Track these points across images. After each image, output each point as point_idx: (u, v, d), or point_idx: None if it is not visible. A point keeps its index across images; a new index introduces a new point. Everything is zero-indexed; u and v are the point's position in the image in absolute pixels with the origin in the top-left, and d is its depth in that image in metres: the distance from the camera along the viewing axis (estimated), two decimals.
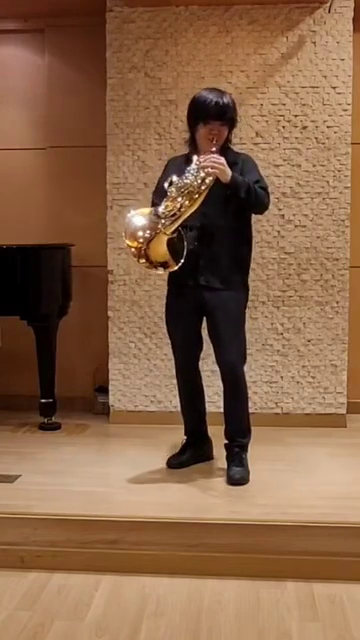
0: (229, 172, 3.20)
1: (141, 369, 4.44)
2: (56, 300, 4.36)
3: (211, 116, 3.27)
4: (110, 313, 4.44)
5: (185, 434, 3.65)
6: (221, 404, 3.50)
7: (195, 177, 3.18)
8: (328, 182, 4.29)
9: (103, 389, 4.62)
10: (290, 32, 4.25)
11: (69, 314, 4.50)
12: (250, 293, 4.25)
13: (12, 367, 4.71)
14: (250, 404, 4.03)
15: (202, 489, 3.29)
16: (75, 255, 4.53)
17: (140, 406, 4.45)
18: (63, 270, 4.40)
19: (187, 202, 3.16)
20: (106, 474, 3.49)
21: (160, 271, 3.31)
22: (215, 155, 3.21)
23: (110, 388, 4.48)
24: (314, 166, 4.28)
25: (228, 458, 3.45)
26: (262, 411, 4.35)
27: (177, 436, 3.70)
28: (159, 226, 3.17)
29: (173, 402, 4.19)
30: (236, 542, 2.86)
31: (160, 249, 3.20)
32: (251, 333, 4.31)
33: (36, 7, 4.49)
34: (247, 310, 4.24)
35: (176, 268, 3.22)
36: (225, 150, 3.36)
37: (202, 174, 3.18)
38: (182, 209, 3.16)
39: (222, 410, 3.49)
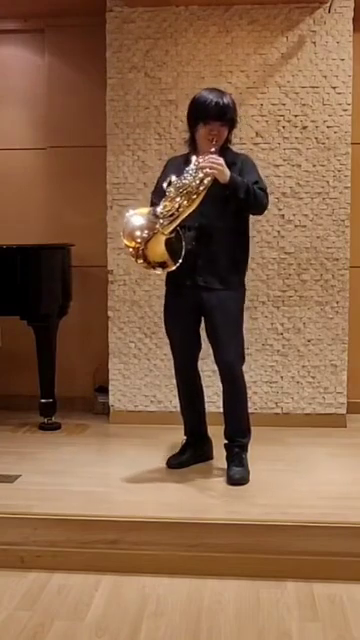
0: (228, 172, 3.20)
1: (141, 369, 4.44)
2: (56, 300, 4.36)
3: (211, 116, 3.27)
4: (110, 313, 4.44)
5: (185, 434, 3.65)
6: (221, 404, 3.50)
7: (193, 177, 3.19)
8: (328, 182, 4.29)
9: (103, 389, 4.62)
10: (290, 32, 4.25)
11: (69, 314, 4.50)
12: (250, 293, 4.28)
13: (12, 367, 4.71)
14: (250, 404, 4.03)
15: (202, 489, 3.29)
16: (75, 255, 4.53)
17: (140, 406, 4.45)
18: (63, 270, 4.40)
19: (185, 202, 3.17)
20: (106, 474, 3.49)
21: (158, 271, 3.32)
22: (214, 156, 3.21)
23: (110, 388, 4.48)
24: (314, 166, 4.28)
25: (228, 458, 3.45)
26: (262, 411, 4.35)
27: (177, 436, 3.70)
28: (157, 226, 3.17)
29: (173, 402, 4.19)
30: (236, 542, 2.86)
31: (158, 249, 3.20)
32: (251, 333, 4.32)
33: (36, 7, 4.49)
34: (247, 310, 4.25)
35: (174, 268, 3.22)
36: (225, 150, 3.36)
37: (200, 174, 3.18)
38: (180, 209, 3.16)
39: (222, 410, 3.49)
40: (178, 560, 2.85)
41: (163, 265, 3.24)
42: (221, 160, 3.20)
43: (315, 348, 4.35)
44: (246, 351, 4.21)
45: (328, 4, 4.17)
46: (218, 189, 3.23)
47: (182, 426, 3.66)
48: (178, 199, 3.17)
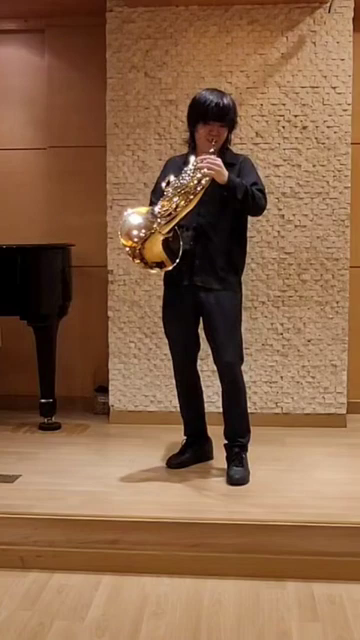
0: (225, 173, 3.21)
1: (141, 369, 4.44)
2: (56, 300, 4.36)
3: (211, 117, 3.28)
4: (110, 313, 4.44)
5: (185, 434, 3.66)
6: (221, 404, 3.50)
7: (191, 178, 3.19)
8: (328, 182, 4.29)
9: (103, 389, 4.62)
10: (290, 32, 4.25)
11: (69, 314, 4.50)
12: (250, 293, 4.29)
13: (12, 367, 4.71)
14: (250, 404, 4.03)
15: (202, 489, 3.29)
16: (75, 255, 4.53)
17: (140, 406, 4.45)
18: (63, 270, 4.40)
19: (183, 202, 3.17)
20: (106, 474, 3.49)
21: (155, 271, 3.32)
22: (212, 156, 3.21)
23: (110, 388, 4.48)
24: (314, 166, 4.28)
25: (228, 458, 3.45)
26: (262, 411, 4.35)
27: (177, 436, 3.70)
28: (154, 226, 3.18)
29: (173, 402, 4.19)
30: (236, 542, 2.86)
31: (155, 249, 3.21)
32: (251, 333, 4.32)
33: (36, 7, 4.49)
34: (247, 310, 4.27)
35: (171, 268, 3.22)
36: (224, 151, 3.37)
37: (198, 175, 3.19)
38: (178, 209, 3.16)
39: (222, 410, 3.49)
40: (178, 560, 2.85)
41: (161, 265, 3.25)
42: (219, 161, 3.20)
43: (315, 348, 4.35)
44: (246, 351, 4.23)
45: (328, 4, 4.17)
46: (216, 190, 3.23)
47: (182, 426, 3.66)
48: (175, 199, 3.17)
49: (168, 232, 3.19)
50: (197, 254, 3.33)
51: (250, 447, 3.49)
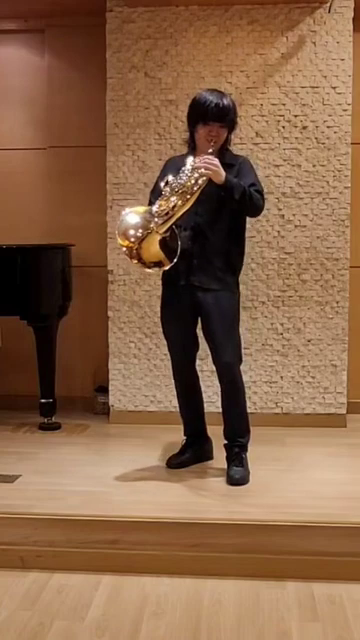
0: (223, 173, 3.21)
1: (141, 369, 4.44)
2: (56, 300, 4.36)
3: (210, 117, 3.28)
4: (110, 313, 4.44)
5: (185, 434, 3.66)
6: (220, 404, 3.49)
7: (188, 177, 3.21)
8: (328, 182, 4.29)
9: (103, 389, 4.62)
10: (290, 32, 4.25)
11: (69, 314, 4.50)
12: (250, 293, 4.29)
13: (12, 367, 4.71)
14: (250, 404, 4.03)
15: (202, 489, 3.29)
16: (75, 255, 4.52)
17: (140, 406, 4.45)
18: (63, 270, 4.40)
19: (180, 202, 3.18)
20: (106, 474, 3.49)
21: (154, 270, 3.33)
22: (209, 156, 3.22)
23: (110, 388, 4.48)
24: (314, 166, 4.28)
25: (228, 458, 3.45)
26: (262, 411, 4.35)
27: (177, 436, 3.70)
28: (151, 225, 3.19)
29: (173, 402, 4.19)
30: (236, 542, 2.86)
31: (152, 248, 3.22)
32: (251, 333, 4.32)
33: (36, 7, 4.49)
34: (247, 310, 4.27)
35: (169, 266, 3.23)
36: (224, 152, 3.37)
37: (196, 175, 3.20)
38: (175, 209, 3.17)
39: (221, 410, 3.49)
40: (178, 560, 2.85)
41: (159, 264, 3.25)
42: (216, 161, 3.21)
43: (315, 348, 4.35)
44: (246, 351, 4.24)
45: (328, 4, 4.17)
46: (214, 190, 3.24)
47: (182, 426, 3.66)
48: (173, 199, 3.18)
49: (165, 231, 3.20)
50: (195, 254, 3.34)
51: (250, 447, 3.49)
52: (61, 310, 4.42)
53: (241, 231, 3.46)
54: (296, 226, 4.32)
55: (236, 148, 3.86)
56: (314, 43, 4.24)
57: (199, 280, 3.36)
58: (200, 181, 3.20)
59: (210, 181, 3.21)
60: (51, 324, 4.35)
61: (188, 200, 3.19)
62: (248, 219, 3.53)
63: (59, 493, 3.22)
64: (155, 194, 3.36)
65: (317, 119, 4.26)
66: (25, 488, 3.31)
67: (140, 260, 3.23)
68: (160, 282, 3.58)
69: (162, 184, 3.24)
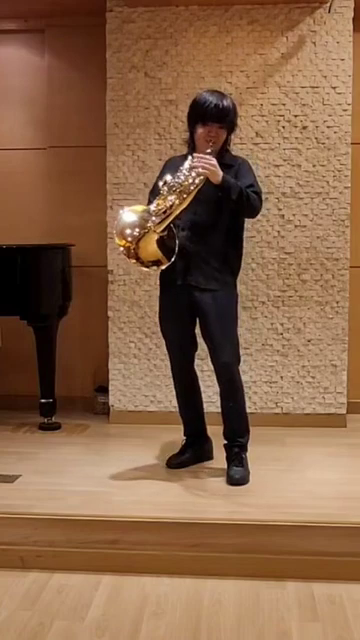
0: (220, 173, 3.21)
1: (141, 369, 4.44)
2: (56, 300, 4.36)
3: (209, 118, 3.28)
4: (110, 313, 4.44)
5: (185, 434, 3.66)
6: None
7: (186, 177, 3.22)
8: (328, 182, 4.29)
9: (103, 389, 4.62)
10: (290, 32, 4.25)
11: (69, 314, 4.50)
12: (250, 293, 4.30)
13: (12, 367, 4.71)
14: (250, 404, 4.03)
15: (202, 489, 3.29)
16: (75, 255, 4.53)
17: (140, 406, 4.45)
18: (63, 270, 4.40)
19: (177, 201, 3.19)
20: (106, 474, 3.49)
21: (152, 269, 3.33)
22: (207, 156, 3.22)
23: (110, 388, 4.48)
24: (314, 166, 4.28)
25: (228, 458, 3.45)
26: (262, 411, 4.35)
27: (177, 436, 3.70)
28: (148, 224, 3.19)
29: (173, 402, 4.18)
30: (236, 542, 2.86)
31: (150, 248, 3.22)
32: (251, 333, 4.32)
33: (36, 7, 4.49)
34: (247, 310, 4.28)
35: (167, 265, 3.23)
36: (223, 153, 3.38)
37: (193, 174, 3.21)
38: (172, 207, 3.18)
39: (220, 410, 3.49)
40: (178, 560, 2.85)
41: (157, 263, 3.27)
42: (214, 161, 3.21)
43: (315, 348, 4.35)
44: (246, 351, 4.24)
45: (328, 4, 4.17)
46: (212, 190, 3.24)
47: (182, 426, 3.66)
48: (170, 197, 3.19)
49: (163, 230, 3.20)
50: (192, 253, 3.34)
51: (250, 447, 3.49)
52: (61, 310, 4.42)
53: (239, 232, 3.46)
54: (296, 226, 4.32)
55: (236, 148, 3.87)
56: (314, 43, 4.24)
57: (196, 280, 3.36)
58: (197, 180, 3.20)
59: (208, 181, 3.21)
60: (51, 324, 4.35)
61: (185, 199, 3.20)
62: (247, 219, 3.53)
63: (59, 493, 3.22)
64: (154, 194, 3.37)
65: (317, 119, 4.26)
66: (25, 488, 3.31)
67: (138, 259, 3.23)
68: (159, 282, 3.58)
69: (160, 183, 3.25)
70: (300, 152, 4.28)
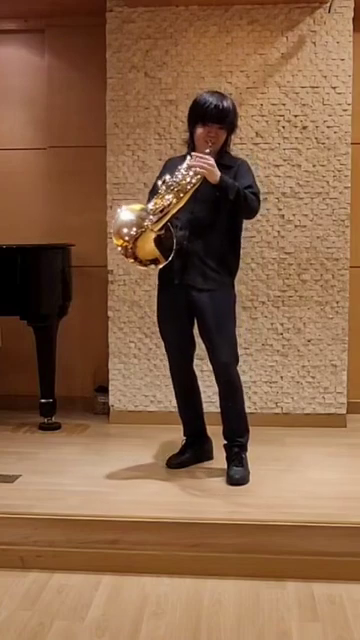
0: (217, 173, 3.21)
1: (141, 369, 4.44)
2: (56, 300, 4.36)
3: (209, 119, 3.29)
4: (110, 313, 4.44)
5: (184, 435, 3.66)
6: None
7: (184, 176, 3.23)
8: (328, 182, 4.29)
9: (103, 389, 4.62)
10: (290, 32, 4.25)
11: (69, 314, 4.50)
12: (250, 293, 4.30)
13: (12, 367, 4.71)
14: (250, 404, 4.03)
15: (202, 489, 3.29)
16: (75, 255, 4.53)
17: (140, 406, 4.45)
18: (63, 270, 4.40)
19: (174, 200, 3.19)
20: (106, 474, 3.49)
21: (151, 268, 3.33)
22: (205, 156, 3.22)
23: (110, 388, 4.48)
24: (314, 166, 4.28)
25: (228, 458, 3.45)
26: (262, 411, 4.35)
27: (177, 436, 3.70)
28: (145, 223, 3.20)
29: (173, 402, 4.18)
30: (236, 542, 2.86)
31: (147, 247, 3.23)
32: (251, 333, 4.32)
33: (36, 7, 4.50)
34: (247, 310, 4.28)
35: (165, 264, 3.23)
36: (223, 154, 3.38)
37: (191, 173, 3.22)
38: (170, 206, 3.18)
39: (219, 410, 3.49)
40: (178, 560, 2.85)
41: (155, 262, 3.27)
42: (212, 160, 3.22)
43: (315, 348, 4.35)
44: (246, 351, 4.25)
45: (328, 4, 4.17)
46: (209, 189, 3.24)
47: (182, 426, 3.66)
48: (168, 196, 3.21)
49: (160, 229, 3.21)
50: (190, 253, 3.34)
51: (250, 447, 3.49)
52: (61, 310, 4.42)
53: (238, 232, 3.46)
54: (296, 226, 4.32)
55: (236, 148, 3.87)
56: (314, 43, 4.24)
57: (193, 280, 3.36)
58: (194, 180, 3.21)
59: (206, 181, 3.22)
60: (51, 324, 4.35)
61: (182, 198, 3.21)
62: (247, 219, 3.53)
63: (59, 493, 3.22)
64: (153, 194, 3.37)
65: (317, 119, 4.26)
66: (25, 488, 3.31)
67: (136, 259, 3.24)
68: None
69: (159, 183, 3.26)
70: (300, 152, 4.28)
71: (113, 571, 2.85)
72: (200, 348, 3.55)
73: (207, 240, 3.34)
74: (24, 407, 4.58)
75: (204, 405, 3.69)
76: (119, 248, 3.24)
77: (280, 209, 4.31)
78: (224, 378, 3.41)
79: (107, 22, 4.32)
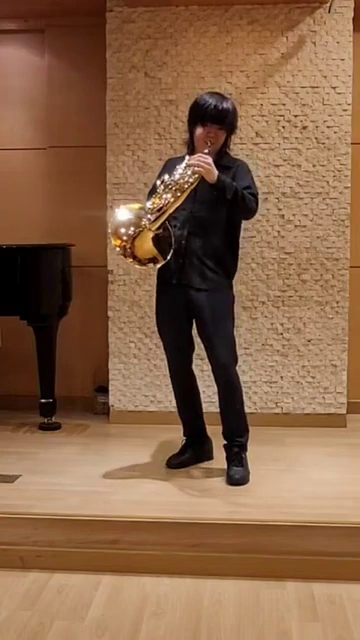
0: (215, 172, 3.22)
1: (141, 369, 4.44)
2: (56, 300, 4.36)
3: (208, 119, 3.29)
4: (110, 313, 4.44)
5: (184, 435, 3.66)
6: None
7: (182, 175, 3.24)
8: (328, 182, 4.29)
9: (103, 389, 4.62)
10: (290, 32, 4.25)
11: (69, 314, 4.50)
12: (250, 293, 4.30)
13: (12, 367, 4.71)
14: (250, 404, 4.03)
15: (202, 489, 3.29)
16: (75, 255, 4.53)
17: (140, 406, 4.45)
18: (63, 270, 4.40)
19: (172, 199, 3.19)
20: (106, 474, 3.49)
21: (149, 266, 3.33)
22: (203, 155, 3.23)
23: (110, 388, 4.48)
24: (314, 166, 4.28)
25: (228, 458, 3.45)
26: (262, 411, 4.35)
27: (177, 436, 3.70)
28: (143, 222, 3.20)
29: (173, 402, 4.17)
30: (236, 542, 2.86)
31: (146, 246, 3.23)
32: (251, 333, 4.32)
33: (36, 7, 4.50)
34: (247, 310, 4.28)
35: (163, 263, 3.24)
36: (222, 155, 3.38)
37: (189, 172, 3.22)
38: (167, 205, 3.19)
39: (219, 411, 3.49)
40: (178, 560, 2.85)
41: (153, 260, 3.27)
42: (209, 160, 3.22)
43: (315, 348, 4.35)
44: (246, 351, 4.25)
45: (328, 4, 4.17)
46: (208, 189, 3.24)
47: (182, 426, 3.66)
48: (165, 195, 3.21)
49: (158, 228, 3.21)
50: (188, 253, 3.34)
51: (250, 447, 3.49)
52: (61, 310, 4.42)
53: (236, 232, 3.46)
54: (296, 226, 4.32)
55: (236, 148, 3.87)
56: (314, 43, 4.24)
57: (191, 280, 3.36)
58: (192, 179, 3.21)
59: (204, 180, 3.22)
60: (51, 324, 4.35)
61: (179, 197, 3.21)
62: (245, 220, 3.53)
63: (59, 493, 3.22)
64: (152, 194, 3.37)
65: (317, 119, 4.26)
66: (25, 488, 3.31)
67: (135, 258, 3.24)
68: None
69: (158, 182, 3.27)
70: (300, 152, 4.28)
71: (113, 571, 2.85)
72: (200, 348, 3.55)
73: (206, 240, 3.34)
74: (24, 407, 4.58)
75: (204, 405, 3.70)
76: (117, 249, 3.24)
77: (280, 209, 4.31)
78: (223, 378, 3.41)
79: (107, 22, 4.32)
